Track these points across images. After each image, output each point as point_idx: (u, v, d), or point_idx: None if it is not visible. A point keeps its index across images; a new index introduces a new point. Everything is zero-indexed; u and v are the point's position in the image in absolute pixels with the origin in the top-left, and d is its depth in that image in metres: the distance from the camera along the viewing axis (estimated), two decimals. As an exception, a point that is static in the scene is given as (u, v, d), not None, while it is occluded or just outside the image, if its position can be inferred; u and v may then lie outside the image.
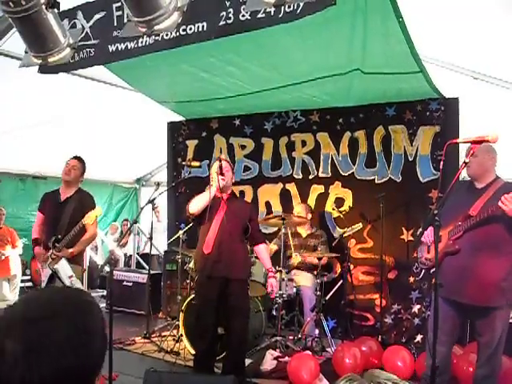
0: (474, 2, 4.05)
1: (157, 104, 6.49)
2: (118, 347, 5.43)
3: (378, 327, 5.71)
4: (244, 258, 4.62)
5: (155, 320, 6.76)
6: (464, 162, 3.24)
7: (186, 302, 5.39)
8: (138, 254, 9.67)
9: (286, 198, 6.55)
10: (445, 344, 3.58)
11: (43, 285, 4.85)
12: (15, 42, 4.04)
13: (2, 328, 1.02)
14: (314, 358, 4.84)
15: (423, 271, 3.89)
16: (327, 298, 5.78)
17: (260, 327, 5.49)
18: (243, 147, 6.89)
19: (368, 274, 6.01)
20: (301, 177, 6.52)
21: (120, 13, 3.61)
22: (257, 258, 5.74)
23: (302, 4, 2.86)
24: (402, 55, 4.32)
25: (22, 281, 7.78)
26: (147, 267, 8.08)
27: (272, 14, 3.05)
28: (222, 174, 4.45)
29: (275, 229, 6.34)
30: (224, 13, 3.21)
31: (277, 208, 6.58)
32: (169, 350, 5.42)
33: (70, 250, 4.70)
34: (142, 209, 4.56)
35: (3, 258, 7.26)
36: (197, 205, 4.55)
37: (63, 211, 4.91)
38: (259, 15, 3.09)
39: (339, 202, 6.22)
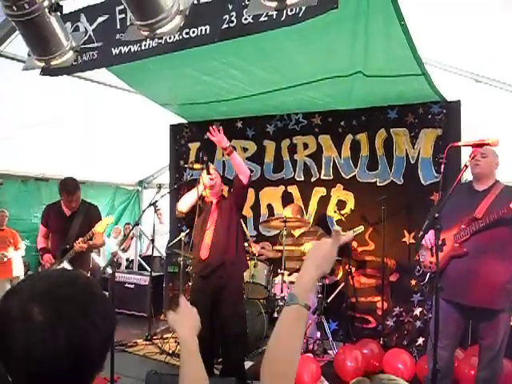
0: (477, 4, 4.05)
1: (159, 106, 6.50)
2: (119, 349, 5.44)
3: (380, 330, 5.71)
4: (240, 262, 4.69)
5: (157, 322, 6.77)
6: (465, 165, 3.25)
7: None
8: (140, 256, 9.68)
9: (287, 200, 6.55)
10: (447, 347, 3.59)
11: None
12: (18, 44, 4.06)
13: (27, 295, 1.06)
14: (316, 360, 4.85)
15: (428, 274, 3.88)
16: (329, 300, 5.77)
17: (261, 329, 5.50)
18: (245, 150, 6.89)
19: (370, 276, 6.01)
20: (303, 179, 6.52)
21: (123, 16, 3.62)
22: (259, 260, 5.75)
23: (304, 7, 2.87)
24: (404, 58, 4.32)
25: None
26: (149, 269, 8.09)
27: (274, 17, 3.05)
28: (209, 173, 4.60)
29: (277, 232, 6.35)
30: (227, 16, 3.21)
31: (279, 210, 6.58)
32: (170, 352, 5.44)
33: (85, 245, 4.91)
34: (143, 211, 4.58)
35: (5, 259, 7.26)
36: (185, 203, 4.68)
37: (71, 224, 5.06)
38: (262, 18, 3.10)
39: (341, 204, 6.22)
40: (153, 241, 6.46)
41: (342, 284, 5.96)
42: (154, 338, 6.04)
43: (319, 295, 5.55)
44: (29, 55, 2.64)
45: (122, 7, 3.61)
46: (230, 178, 6.82)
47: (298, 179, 6.56)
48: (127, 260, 9.90)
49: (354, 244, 6.05)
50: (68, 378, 1.06)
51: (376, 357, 4.96)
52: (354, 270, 5.98)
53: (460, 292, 3.54)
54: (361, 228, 5.81)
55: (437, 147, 5.58)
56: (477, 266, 3.49)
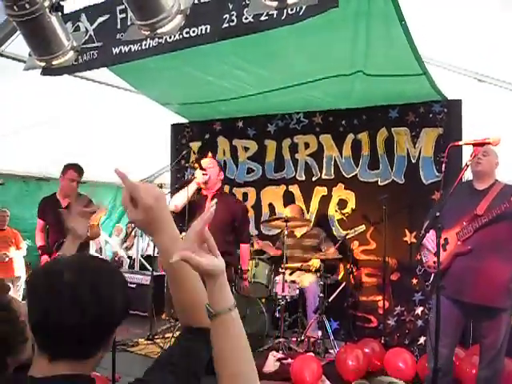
0: (479, 3, 4.05)
1: (160, 106, 6.51)
2: (121, 348, 5.44)
3: (381, 329, 5.70)
4: (234, 264, 4.90)
5: (158, 321, 6.76)
6: (466, 164, 3.26)
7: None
8: (141, 255, 9.69)
9: (289, 199, 6.55)
10: (447, 345, 3.58)
11: None
12: (19, 44, 4.07)
13: (60, 266, 1.25)
14: (317, 359, 4.85)
15: (432, 275, 3.88)
16: (330, 299, 5.77)
17: (263, 329, 5.50)
18: (246, 149, 6.90)
19: (371, 275, 6.01)
20: (304, 179, 6.52)
21: (124, 15, 3.63)
22: (260, 259, 5.77)
23: (304, 6, 2.87)
24: (404, 58, 4.32)
25: (26, 282, 7.80)
26: (150, 268, 8.09)
27: (275, 16, 3.06)
28: (202, 168, 4.62)
29: (278, 231, 6.35)
30: (227, 15, 3.22)
31: (280, 210, 6.58)
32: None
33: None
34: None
35: (7, 259, 7.27)
36: (176, 201, 4.65)
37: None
38: (262, 17, 3.10)
39: (342, 203, 6.22)
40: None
41: (344, 283, 5.96)
42: (156, 337, 6.04)
43: (321, 294, 5.55)
44: (30, 55, 2.65)
45: (122, 7, 3.61)
46: (230, 177, 6.84)
47: (299, 178, 6.56)
48: (129, 258, 9.91)
49: (356, 243, 6.05)
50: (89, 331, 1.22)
51: (377, 356, 4.95)
52: (355, 269, 5.98)
53: (462, 289, 3.54)
54: (362, 227, 5.81)
55: (438, 146, 5.57)
56: (479, 264, 3.49)
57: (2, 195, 7.85)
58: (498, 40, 4.41)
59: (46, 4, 2.25)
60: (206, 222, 1.21)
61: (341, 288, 5.93)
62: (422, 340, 5.48)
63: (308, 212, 6.42)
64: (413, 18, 3.76)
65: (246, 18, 3.15)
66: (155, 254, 7.00)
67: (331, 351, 5.36)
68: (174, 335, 5.78)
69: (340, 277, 6.13)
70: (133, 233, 8.94)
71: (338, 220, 6.26)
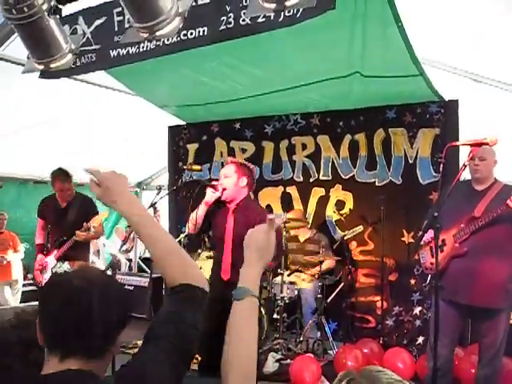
0: (474, 4, 4.07)
1: (157, 108, 6.51)
2: (119, 351, 5.43)
3: (380, 329, 5.71)
4: None
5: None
6: (464, 165, 3.27)
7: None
8: (139, 257, 9.68)
9: (286, 201, 6.56)
10: (446, 346, 3.59)
11: None
12: (16, 47, 4.06)
13: (70, 274, 1.45)
14: (316, 360, 4.86)
15: (430, 276, 3.89)
16: (328, 300, 5.79)
17: (262, 330, 5.50)
18: (244, 151, 6.90)
19: (369, 276, 6.02)
20: (301, 180, 6.53)
21: (121, 18, 3.63)
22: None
23: (301, 8, 2.88)
24: (401, 59, 4.33)
25: (24, 285, 7.80)
26: (149, 271, 8.08)
27: (272, 18, 3.07)
28: (213, 187, 4.13)
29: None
30: (224, 17, 3.23)
31: (278, 211, 6.57)
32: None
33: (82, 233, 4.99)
34: (144, 212, 4.58)
35: (5, 262, 7.27)
36: (192, 222, 4.20)
37: (66, 216, 5.15)
38: (259, 19, 3.11)
39: (340, 204, 6.23)
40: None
41: (342, 284, 5.97)
42: (154, 339, 6.03)
43: (319, 295, 5.56)
44: (28, 58, 2.65)
45: (119, 9, 3.62)
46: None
47: (296, 180, 6.56)
48: (129, 261, 9.89)
49: (354, 244, 6.06)
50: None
51: (376, 356, 4.97)
52: (353, 269, 5.99)
53: (460, 291, 3.55)
54: (360, 228, 5.83)
55: (435, 147, 5.58)
56: (476, 265, 3.50)
57: (-1, 198, 7.86)
58: (493, 40, 4.43)
59: (45, 7, 2.25)
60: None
61: (339, 289, 5.94)
62: (420, 340, 5.49)
63: (306, 213, 6.42)
64: (409, 19, 3.78)
65: (244, 20, 3.16)
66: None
67: (330, 352, 5.37)
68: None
69: (338, 277, 6.13)
70: (131, 236, 8.91)
71: (335, 221, 6.26)
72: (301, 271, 6.03)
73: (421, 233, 3.75)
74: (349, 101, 5.83)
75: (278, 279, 5.53)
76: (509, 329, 3.62)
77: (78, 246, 5.12)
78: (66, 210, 5.26)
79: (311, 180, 6.45)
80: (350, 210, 6.15)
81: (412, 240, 5.65)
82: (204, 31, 3.33)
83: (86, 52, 3.79)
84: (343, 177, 6.22)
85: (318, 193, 6.41)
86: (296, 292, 5.66)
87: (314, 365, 4.62)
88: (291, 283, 5.68)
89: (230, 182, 4.11)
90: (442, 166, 3.34)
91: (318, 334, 5.54)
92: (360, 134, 6.10)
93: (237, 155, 6.91)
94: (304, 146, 6.51)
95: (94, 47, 3.77)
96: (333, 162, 6.30)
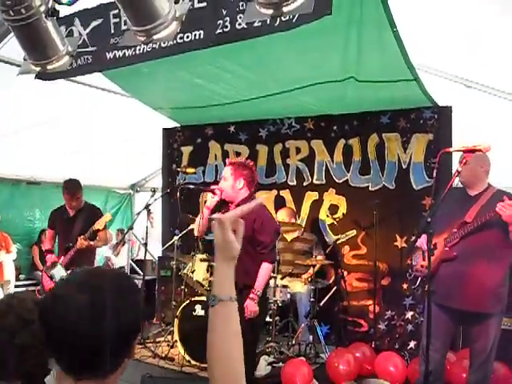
0: (467, 10, 4.10)
1: (152, 110, 6.51)
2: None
3: (372, 333, 5.74)
4: (252, 278, 4.07)
5: (149, 326, 6.76)
6: (457, 171, 3.30)
7: (181, 308, 5.40)
8: (132, 259, 9.65)
9: (280, 204, 6.56)
10: (438, 350, 3.61)
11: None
12: (13, 48, 4.06)
13: (72, 285, 1.25)
14: (308, 363, 4.87)
15: (419, 278, 3.91)
16: (321, 304, 5.80)
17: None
18: (238, 154, 6.90)
19: (362, 280, 6.04)
20: (295, 184, 6.55)
21: (117, 20, 3.64)
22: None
23: (298, 14, 2.89)
24: (396, 64, 4.36)
25: (16, 286, 7.76)
26: (141, 273, 8.07)
27: (268, 22, 3.08)
28: (211, 191, 4.23)
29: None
30: (221, 21, 3.24)
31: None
32: (163, 355, 5.44)
33: (86, 242, 5.14)
34: (138, 214, 4.60)
35: (-3, 263, 7.24)
36: (196, 227, 4.34)
37: (73, 224, 5.37)
38: (255, 24, 3.12)
39: (333, 208, 6.25)
40: (146, 245, 6.46)
41: (334, 288, 5.98)
42: (147, 341, 6.03)
43: (311, 299, 5.57)
44: (24, 59, 2.65)
45: (115, 12, 3.62)
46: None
47: (290, 183, 6.58)
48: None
49: (346, 248, 6.08)
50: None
51: (368, 360, 4.98)
52: (346, 273, 6.01)
53: (451, 296, 3.57)
54: (353, 232, 5.85)
55: (428, 152, 5.62)
56: (466, 270, 3.52)
57: (-9, 199, 7.83)
58: (485, 46, 4.46)
59: (42, 9, 2.25)
60: (249, 210, 1.34)
61: (332, 292, 5.96)
62: (412, 344, 5.52)
63: (299, 217, 6.44)
64: (403, 25, 3.80)
65: (240, 24, 3.18)
66: (146, 258, 6.98)
67: (322, 355, 5.38)
68: (166, 339, 5.79)
69: (331, 281, 6.15)
70: (124, 238, 8.89)
71: (328, 225, 6.28)
72: (293, 275, 6.03)
73: (414, 238, 3.78)
74: (343, 105, 5.85)
75: (271, 282, 5.53)
76: (500, 334, 3.64)
77: (82, 252, 5.23)
78: (73, 219, 5.44)
79: (305, 184, 6.47)
80: (343, 214, 6.17)
81: (405, 245, 5.68)
82: (200, 35, 3.34)
83: (82, 54, 3.80)
84: (337, 181, 6.25)
85: (311, 197, 6.43)
86: (288, 295, 5.67)
87: (305, 368, 4.63)
88: (284, 287, 5.68)
89: (227, 184, 4.15)
90: (435, 171, 3.37)
91: (311, 337, 5.55)
92: (354, 139, 6.12)
93: (231, 158, 6.91)
94: (298, 150, 6.53)
95: (90, 49, 3.77)
96: (326, 166, 6.32)
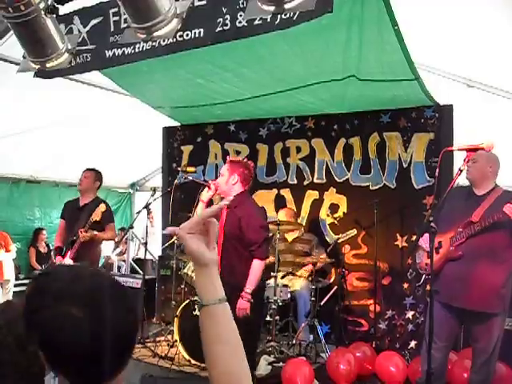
0: (468, 9, 4.08)
1: (152, 109, 6.50)
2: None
3: (372, 333, 5.72)
4: (242, 279, 4.03)
5: (149, 325, 6.74)
6: (459, 170, 3.28)
7: (181, 308, 5.39)
8: (132, 259, 9.64)
9: (280, 203, 6.55)
10: (441, 350, 3.61)
11: None
12: (12, 46, 4.05)
13: (62, 294, 1.16)
14: (309, 363, 4.85)
15: (424, 277, 3.90)
16: (321, 303, 5.79)
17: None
18: (238, 153, 6.89)
19: (362, 279, 6.02)
20: (295, 183, 6.53)
21: (117, 18, 3.61)
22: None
23: (298, 11, 2.87)
24: (397, 63, 4.34)
25: (16, 285, 7.74)
26: (141, 272, 8.06)
27: (268, 20, 3.06)
28: (207, 185, 4.36)
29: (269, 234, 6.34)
30: (221, 19, 3.22)
31: (271, 213, 6.55)
32: (163, 355, 5.42)
33: (90, 233, 5.16)
34: (138, 213, 4.59)
35: (-4, 262, 7.22)
36: None
37: (80, 216, 5.36)
38: (256, 22, 3.10)
39: (334, 208, 6.24)
40: (146, 244, 6.45)
41: (335, 287, 5.97)
42: (147, 341, 6.01)
43: (312, 298, 5.56)
44: (24, 57, 2.64)
45: (115, 10, 3.60)
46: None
47: (290, 182, 6.57)
48: (124, 262, 9.85)
49: (347, 247, 6.06)
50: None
51: (368, 360, 4.97)
52: (346, 273, 5.98)
53: (455, 295, 3.56)
54: (353, 231, 5.83)
55: (429, 151, 5.60)
56: (471, 270, 3.51)
57: (-9, 197, 7.81)
58: (487, 46, 4.45)
59: (42, 6, 2.24)
60: (212, 214, 1.27)
61: (332, 292, 5.94)
62: (412, 344, 5.51)
63: (299, 216, 6.42)
64: (404, 24, 3.78)
65: (240, 22, 3.15)
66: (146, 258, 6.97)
67: (322, 355, 5.36)
68: (165, 338, 5.78)
69: (331, 281, 6.14)
70: (124, 238, 8.88)
71: (329, 224, 6.26)
72: (294, 274, 6.02)
73: (416, 237, 3.77)
74: (344, 104, 5.83)
75: (271, 282, 5.52)
76: (503, 334, 3.63)
77: (86, 246, 5.23)
78: (80, 211, 5.44)
79: (305, 183, 6.46)
80: (343, 213, 6.16)
81: (405, 244, 5.66)
82: (200, 33, 3.32)
83: (81, 52, 3.77)
84: (337, 180, 6.23)
85: (311, 196, 6.42)
86: (289, 295, 5.65)
87: (306, 368, 4.61)
88: (284, 286, 5.67)
89: (222, 180, 4.30)
90: (437, 170, 3.35)
91: (311, 337, 5.54)
92: (354, 138, 6.11)
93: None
94: (298, 149, 6.51)
95: (89, 47, 3.75)
96: (327, 166, 6.30)
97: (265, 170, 6.72)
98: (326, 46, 4.34)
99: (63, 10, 3.58)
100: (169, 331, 5.88)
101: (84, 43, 3.76)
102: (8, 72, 4.51)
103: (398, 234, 5.76)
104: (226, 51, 4.22)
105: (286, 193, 6.60)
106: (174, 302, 5.97)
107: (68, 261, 5.19)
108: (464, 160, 3.36)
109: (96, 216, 5.17)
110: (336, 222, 6.13)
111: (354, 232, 5.83)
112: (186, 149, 7.33)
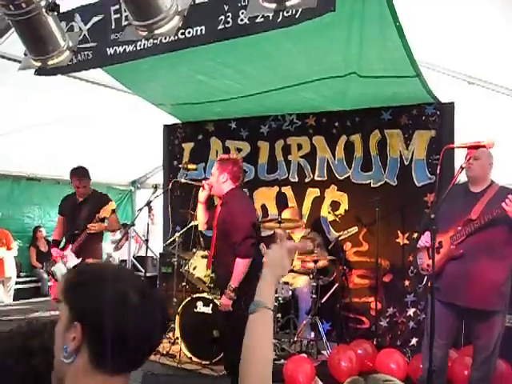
0: (470, 7, 4.07)
1: (153, 106, 6.49)
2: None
3: (374, 330, 5.73)
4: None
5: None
6: (461, 167, 3.28)
7: (182, 305, 5.39)
8: (133, 256, 9.63)
9: (281, 201, 6.56)
10: (441, 347, 3.61)
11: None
12: (13, 43, 4.04)
13: (120, 279, 1.25)
14: (310, 360, 4.86)
15: (426, 277, 3.89)
16: (323, 301, 5.79)
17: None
18: (239, 150, 6.88)
19: (363, 277, 6.02)
20: (296, 180, 6.53)
21: (118, 16, 3.60)
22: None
23: (301, 9, 2.87)
24: (398, 59, 4.33)
25: (17, 283, 7.76)
26: (142, 270, 8.06)
27: (270, 18, 3.05)
28: (201, 186, 4.49)
29: (271, 232, 6.34)
30: (223, 17, 3.21)
31: (273, 211, 6.58)
32: (164, 352, 5.42)
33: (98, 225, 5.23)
34: (140, 210, 4.59)
35: (-2, 259, 7.23)
36: (199, 221, 4.65)
37: (80, 210, 5.39)
38: (258, 19, 3.09)
39: (335, 205, 6.23)
40: (147, 241, 6.44)
41: (336, 285, 5.97)
42: (148, 338, 6.01)
43: (313, 296, 5.56)
44: (25, 55, 2.63)
45: (116, 7, 3.59)
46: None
47: (292, 180, 6.56)
48: (123, 261, 9.85)
49: (348, 245, 6.06)
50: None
51: (370, 357, 4.97)
52: (347, 270, 5.99)
53: (455, 293, 3.56)
54: (355, 229, 5.83)
55: (430, 148, 5.59)
56: (472, 267, 3.51)
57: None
58: (488, 43, 4.44)
59: (43, 4, 2.24)
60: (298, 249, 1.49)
61: (333, 289, 5.95)
62: (413, 341, 5.51)
63: (301, 213, 6.41)
64: (405, 22, 3.77)
65: (242, 20, 3.15)
66: (147, 255, 6.97)
67: (324, 352, 5.37)
68: (167, 336, 5.78)
69: (332, 278, 6.13)
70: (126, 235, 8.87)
71: (330, 221, 6.26)
72: (295, 271, 6.02)
73: (417, 235, 3.76)
74: (345, 101, 5.82)
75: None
76: (504, 331, 3.63)
77: (90, 240, 5.26)
78: (81, 205, 5.45)
79: (306, 180, 6.45)
80: (344, 210, 6.15)
81: (407, 241, 5.66)
82: (202, 30, 3.31)
83: (82, 49, 3.75)
84: (338, 177, 6.22)
85: (312, 193, 6.41)
86: (290, 292, 5.65)
87: (307, 365, 4.62)
88: (285, 283, 5.67)
89: (213, 179, 4.39)
90: (439, 168, 3.35)
91: (312, 334, 5.54)
92: (356, 135, 6.10)
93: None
94: (299, 147, 6.51)
95: (90, 45, 3.74)
96: (328, 163, 6.30)
97: (266, 167, 6.72)
98: (327, 43, 4.33)
99: (64, 7, 3.59)
100: (170, 329, 5.88)
101: (85, 41, 3.75)
102: (9, 70, 4.50)
103: (399, 232, 5.76)
104: (226, 48, 4.20)
105: (287, 190, 6.59)
106: (175, 300, 5.96)
107: (69, 253, 5.23)
108: (465, 157, 3.35)
109: (105, 213, 5.21)
110: (337, 219, 6.13)
111: (355, 229, 5.83)
112: (187, 146, 7.32)
